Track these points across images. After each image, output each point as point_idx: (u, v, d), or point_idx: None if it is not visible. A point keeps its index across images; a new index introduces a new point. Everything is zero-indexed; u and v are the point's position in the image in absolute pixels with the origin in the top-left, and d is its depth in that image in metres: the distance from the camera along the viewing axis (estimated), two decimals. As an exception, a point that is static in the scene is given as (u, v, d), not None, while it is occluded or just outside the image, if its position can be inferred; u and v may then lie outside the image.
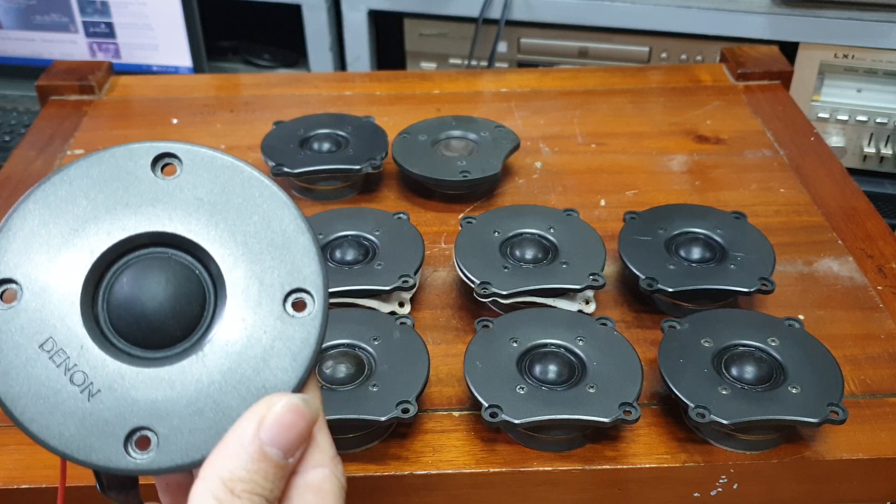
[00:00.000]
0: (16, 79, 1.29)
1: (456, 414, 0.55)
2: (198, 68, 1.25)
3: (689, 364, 0.53)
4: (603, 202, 0.74)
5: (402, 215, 0.66)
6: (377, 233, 0.64)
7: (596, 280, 0.59)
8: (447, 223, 0.72)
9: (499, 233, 0.64)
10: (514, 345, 0.55)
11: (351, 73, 1.21)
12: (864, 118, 1.09)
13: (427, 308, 0.63)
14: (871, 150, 1.11)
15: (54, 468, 0.37)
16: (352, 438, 0.52)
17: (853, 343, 0.60)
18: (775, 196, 0.75)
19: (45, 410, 0.33)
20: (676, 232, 0.65)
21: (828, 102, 1.11)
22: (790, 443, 0.53)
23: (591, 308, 0.62)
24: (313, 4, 1.22)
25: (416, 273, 0.61)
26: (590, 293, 0.62)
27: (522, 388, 0.52)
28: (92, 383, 0.34)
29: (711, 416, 0.50)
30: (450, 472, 0.52)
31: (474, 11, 1.15)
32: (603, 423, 0.50)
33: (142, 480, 0.37)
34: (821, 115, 1.11)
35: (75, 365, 0.34)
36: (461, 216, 0.69)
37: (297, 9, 1.23)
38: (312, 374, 0.35)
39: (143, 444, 0.34)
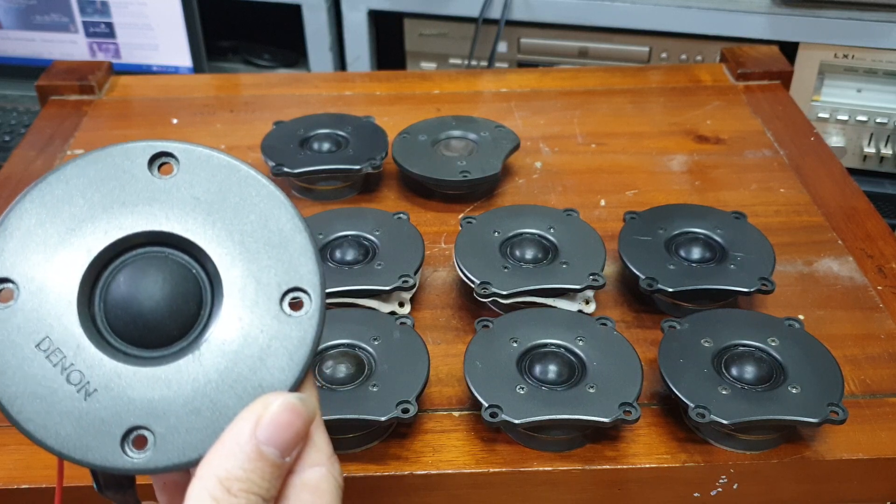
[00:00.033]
0: (16, 79, 1.29)
1: (456, 414, 0.55)
2: (198, 68, 1.25)
3: (689, 364, 0.53)
4: (603, 202, 0.74)
5: (402, 215, 0.66)
6: (377, 233, 0.64)
7: (596, 280, 0.59)
8: (447, 223, 0.72)
9: (499, 233, 0.64)
10: (514, 345, 0.55)
11: (351, 73, 1.21)
12: (864, 118, 1.09)
13: (427, 308, 0.63)
14: (871, 150, 1.11)
15: (54, 468, 0.37)
16: (352, 438, 0.52)
17: (853, 343, 0.60)
18: (775, 196, 0.75)
19: (42, 410, 0.33)
20: (676, 232, 0.65)
21: (828, 102, 1.11)
22: (790, 443, 0.53)
23: (591, 308, 0.62)
24: (313, 4, 1.22)
25: (416, 273, 0.61)
26: (590, 293, 0.62)
27: (522, 388, 0.52)
28: (88, 382, 0.34)
29: (711, 416, 0.50)
30: (450, 472, 0.52)
31: (474, 11, 1.15)
32: (603, 423, 0.50)
33: (139, 480, 0.37)
34: (821, 115, 1.11)
35: (72, 364, 0.34)
36: (461, 216, 0.69)
37: (297, 9, 1.23)
38: (309, 373, 0.35)
39: (140, 443, 0.34)
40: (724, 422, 0.50)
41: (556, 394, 0.51)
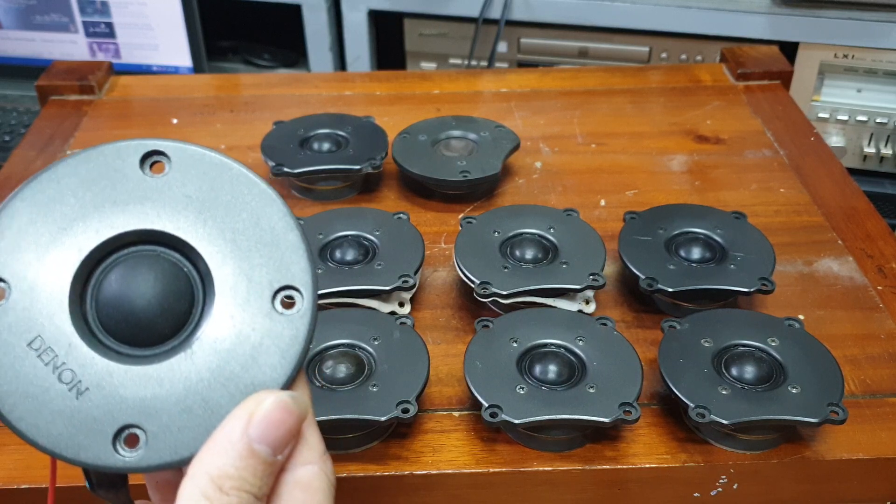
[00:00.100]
0: (16, 79, 1.29)
1: (456, 414, 0.55)
2: (198, 68, 1.25)
3: (689, 364, 0.53)
4: (603, 202, 0.74)
5: (402, 215, 0.66)
6: (377, 233, 0.64)
7: (596, 280, 0.59)
8: (447, 223, 0.72)
9: (499, 233, 0.64)
10: (514, 345, 0.55)
11: (351, 73, 1.21)
12: (864, 118, 1.09)
13: (427, 308, 0.63)
14: (871, 150, 1.11)
15: (59, 468, 0.37)
16: (352, 438, 0.52)
17: (853, 343, 0.60)
18: (775, 196, 0.75)
19: (34, 409, 0.33)
20: (676, 232, 0.65)
21: (828, 102, 1.11)
22: (790, 443, 0.53)
23: (591, 308, 0.62)
24: (313, 4, 1.22)
25: (416, 273, 0.61)
26: (590, 293, 0.62)
27: (522, 388, 0.52)
28: (80, 381, 0.34)
29: (711, 416, 0.50)
30: (450, 472, 0.52)
31: (474, 11, 1.15)
32: (603, 423, 0.50)
33: (132, 479, 0.37)
34: (821, 115, 1.11)
35: (63, 363, 0.34)
36: (461, 216, 0.69)
37: (297, 9, 1.23)
38: (301, 371, 0.35)
39: (132, 441, 0.34)
40: (724, 422, 0.50)
41: (556, 394, 0.51)
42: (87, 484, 0.37)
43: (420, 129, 0.78)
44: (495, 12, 1.15)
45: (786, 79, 0.92)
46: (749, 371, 0.53)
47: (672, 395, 0.52)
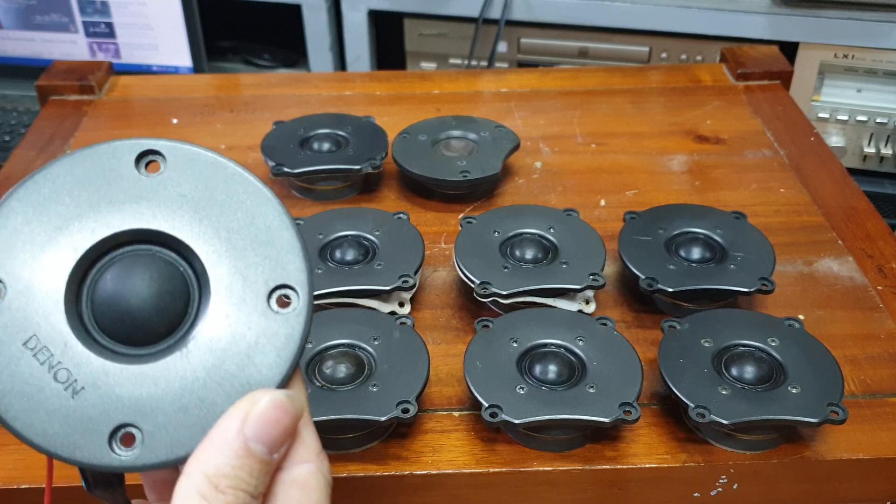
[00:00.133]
0: (16, 79, 1.29)
1: (456, 414, 0.55)
2: (198, 68, 1.25)
3: (689, 364, 0.53)
4: (603, 202, 0.74)
5: (402, 215, 0.66)
6: (377, 233, 0.64)
7: (596, 280, 0.59)
8: (447, 223, 0.72)
9: (499, 233, 0.64)
10: (514, 345, 0.55)
11: (351, 73, 1.21)
12: (864, 118, 1.09)
13: (427, 308, 0.63)
14: (871, 150, 1.11)
15: (57, 468, 0.37)
16: (352, 438, 0.52)
17: (853, 343, 0.60)
18: (775, 196, 0.75)
19: (29, 408, 0.33)
20: (676, 232, 0.65)
21: (828, 102, 1.11)
22: (790, 443, 0.53)
23: (591, 308, 0.62)
24: (313, 4, 1.22)
25: (416, 273, 0.61)
26: (590, 293, 0.62)
27: (522, 388, 0.52)
28: (76, 380, 0.34)
29: (711, 416, 0.50)
30: (450, 472, 0.52)
31: (474, 11, 1.15)
32: (603, 423, 0.50)
33: (129, 479, 0.37)
34: (821, 115, 1.11)
35: (59, 362, 0.34)
36: (461, 216, 0.69)
37: (297, 9, 1.23)
38: (297, 370, 0.35)
39: (128, 440, 0.34)
40: (724, 422, 0.50)
41: (556, 394, 0.51)
42: (83, 483, 0.37)
43: (420, 129, 0.78)
44: (495, 12, 1.15)
45: (786, 79, 0.92)
46: (749, 371, 0.53)
47: (672, 395, 0.52)
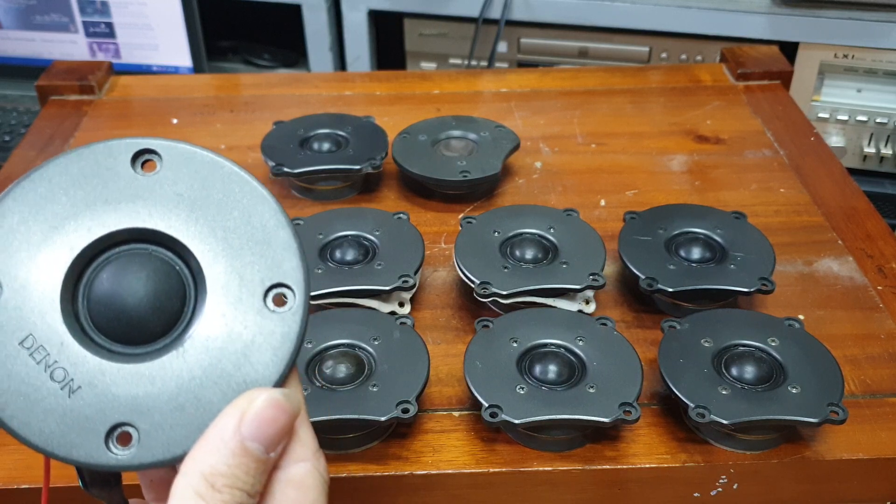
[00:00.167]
0: (16, 79, 1.29)
1: (456, 414, 0.55)
2: (198, 68, 1.25)
3: (689, 364, 0.53)
4: (603, 202, 0.74)
5: (402, 215, 0.66)
6: (377, 233, 0.64)
7: (596, 280, 0.59)
8: (447, 223, 0.72)
9: (499, 233, 0.64)
10: (514, 345, 0.55)
11: (351, 73, 1.21)
12: (864, 118, 1.09)
13: (427, 308, 0.63)
14: (871, 150, 1.11)
15: (55, 468, 0.37)
16: (352, 438, 0.52)
17: (853, 343, 0.60)
18: (775, 196, 0.75)
19: (26, 407, 0.33)
20: (676, 232, 0.65)
21: (828, 102, 1.11)
22: (790, 443, 0.53)
23: (591, 308, 0.62)
24: (313, 4, 1.22)
25: (416, 273, 0.61)
26: (590, 293, 0.62)
27: (522, 388, 0.52)
28: (72, 380, 0.34)
29: (711, 416, 0.50)
30: (450, 472, 0.52)
31: (474, 11, 1.15)
32: (603, 423, 0.50)
33: (126, 479, 0.37)
34: (821, 115, 1.11)
35: (55, 362, 0.34)
36: (461, 216, 0.69)
37: (297, 9, 1.23)
38: (294, 368, 0.35)
39: (125, 440, 0.34)
40: (724, 422, 0.50)
41: (556, 394, 0.51)
42: (80, 482, 0.37)
43: (420, 129, 0.78)
44: (495, 12, 1.15)
45: (786, 79, 0.92)
46: (749, 371, 0.53)
47: (672, 395, 0.52)
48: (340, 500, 0.53)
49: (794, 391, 0.51)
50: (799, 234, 0.70)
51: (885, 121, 1.09)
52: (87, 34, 1.25)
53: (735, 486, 0.53)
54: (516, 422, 0.50)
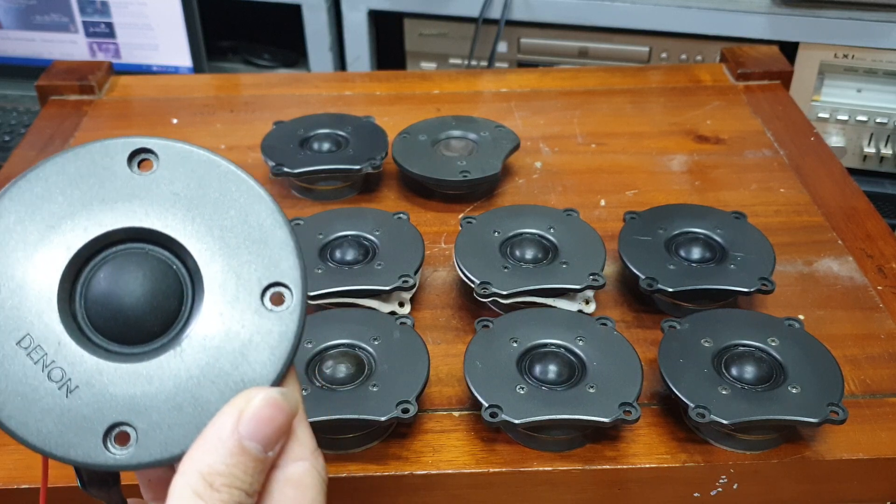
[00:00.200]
0: (16, 79, 1.29)
1: (456, 414, 0.55)
2: (198, 68, 1.25)
3: (689, 364, 0.53)
4: (603, 202, 0.74)
5: (402, 215, 0.66)
6: (377, 233, 0.64)
7: (596, 280, 0.59)
8: (447, 223, 0.72)
9: (499, 233, 0.64)
10: (514, 345, 0.55)
11: (351, 73, 1.21)
12: (864, 118, 1.09)
13: (427, 308, 0.63)
14: (871, 150, 1.11)
15: (53, 468, 0.37)
16: (352, 438, 0.52)
17: (853, 343, 0.60)
18: (775, 196, 0.75)
19: (23, 407, 0.33)
20: (676, 232, 0.65)
21: (828, 102, 1.11)
22: (790, 443, 0.53)
23: (591, 308, 0.62)
24: (313, 4, 1.22)
25: (416, 273, 0.61)
26: (590, 293, 0.62)
27: (522, 388, 0.52)
28: (70, 379, 0.34)
29: (711, 416, 0.50)
30: (450, 472, 0.52)
31: (474, 11, 1.15)
32: (603, 423, 0.50)
33: (125, 479, 0.37)
34: (821, 115, 1.11)
35: (53, 361, 0.34)
36: (461, 216, 0.69)
37: (297, 9, 1.23)
38: (292, 368, 0.35)
39: (123, 439, 0.34)
40: (724, 422, 0.50)
41: (556, 394, 0.51)
42: (78, 482, 0.37)
43: (420, 129, 0.78)
44: (495, 12, 1.15)
45: (786, 79, 0.92)
46: (749, 371, 0.53)
47: (672, 395, 0.52)
48: (340, 500, 0.53)
49: (794, 391, 0.51)
50: (799, 234, 0.70)
51: (885, 121, 1.09)
52: (87, 34, 1.25)
53: (735, 486, 0.53)
54: (516, 422, 0.50)
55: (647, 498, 0.54)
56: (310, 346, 0.55)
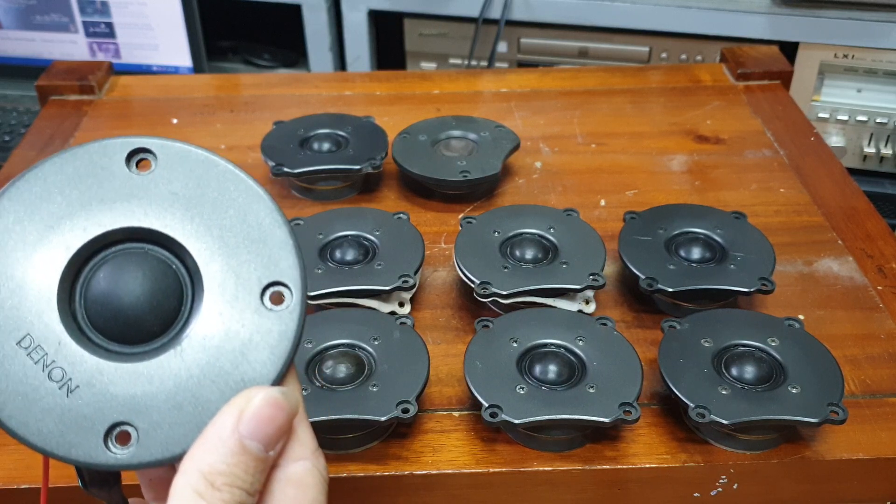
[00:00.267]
0: (16, 79, 1.29)
1: (456, 414, 0.55)
2: (198, 68, 1.25)
3: (689, 364, 0.53)
4: (603, 202, 0.74)
5: (402, 215, 0.66)
6: (377, 233, 0.64)
7: (596, 280, 0.59)
8: (447, 223, 0.72)
9: (499, 233, 0.64)
10: (514, 345, 0.55)
11: (351, 73, 1.21)
12: (864, 118, 1.09)
13: (427, 308, 0.63)
14: (871, 150, 1.11)
15: (54, 468, 0.37)
16: (352, 438, 0.52)
17: (853, 343, 0.60)
18: (775, 196, 0.75)
19: (24, 407, 0.33)
20: (676, 232, 0.65)
21: (828, 102, 1.11)
22: (790, 443, 0.53)
23: (591, 308, 0.62)
24: (313, 4, 1.22)
25: (416, 273, 0.61)
26: (590, 293, 0.62)
27: (522, 388, 0.52)
28: (70, 379, 0.34)
29: (711, 416, 0.50)
30: (450, 472, 0.52)
31: (474, 11, 1.15)
32: (603, 423, 0.50)
33: (126, 479, 0.37)
34: (821, 115, 1.11)
35: (53, 361, 0.34)
36: (461, 216, 0.69)
37: (297, 9, 1.23)
38: (292, 367, 0.35)
39: (123, 439, 0.34)
40: (724, 422, 0.50)
41: (556, 394, 0.51)
42: (79, 482, 0.37)
43: (420, 129, 0.78)
44: (495, 12, 1.15)
45: (786, 79, 0.92)
46: (749, 371, 0.53)
47: (672, 395, 0.52)
48: (340, 500, 0.53)
49: (794, 391, 0.51)
50: (799, 234, 0.70)
51: (885, 121, 1.09)
52: (87, 34, 1.25)
53: (735, 486, 0.53)
54: (516, 422, 0.50)
55: (647, 498, 0.54)
56: (310, 345, 0.55)
